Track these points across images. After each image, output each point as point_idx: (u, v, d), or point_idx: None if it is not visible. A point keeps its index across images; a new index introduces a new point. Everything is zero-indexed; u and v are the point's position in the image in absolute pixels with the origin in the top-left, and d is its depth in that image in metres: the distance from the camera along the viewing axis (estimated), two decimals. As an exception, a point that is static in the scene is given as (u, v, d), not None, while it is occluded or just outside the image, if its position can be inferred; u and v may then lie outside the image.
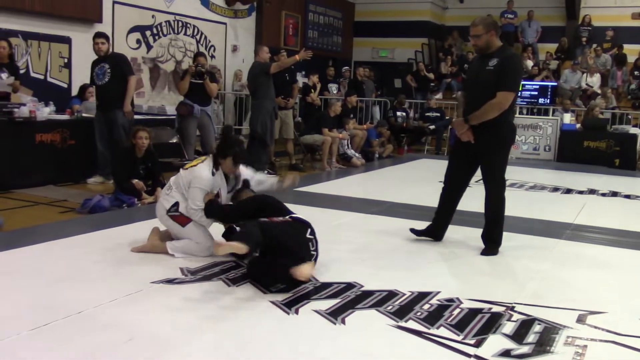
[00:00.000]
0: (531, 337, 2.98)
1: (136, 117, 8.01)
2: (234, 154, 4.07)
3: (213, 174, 4.06)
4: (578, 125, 11.30)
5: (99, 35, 7.00)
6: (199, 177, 4.05)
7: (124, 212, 5.50)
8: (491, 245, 4.50)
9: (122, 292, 3.32)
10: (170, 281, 3.56)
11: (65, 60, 9.39)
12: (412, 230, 4.78)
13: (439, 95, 14.41)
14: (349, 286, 3.60)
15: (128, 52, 10.76)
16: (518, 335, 2.99)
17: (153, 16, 11.21)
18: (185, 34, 12.00)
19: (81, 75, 8.78)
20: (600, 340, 2.99)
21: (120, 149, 6.29)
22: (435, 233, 4.75)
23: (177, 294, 3.39)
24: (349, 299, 3.39)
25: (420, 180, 8.36)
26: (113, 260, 3.93)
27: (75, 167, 6.90)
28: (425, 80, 14.46)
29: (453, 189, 4.64)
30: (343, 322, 3.08)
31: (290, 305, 3.25)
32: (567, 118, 11.38)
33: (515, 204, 6.10)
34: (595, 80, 13.67)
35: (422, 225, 4.82)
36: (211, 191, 4.07)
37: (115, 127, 6.76)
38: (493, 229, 4.51)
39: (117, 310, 3.10)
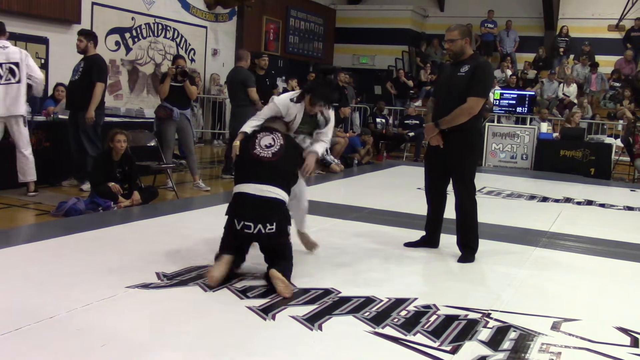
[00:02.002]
0: (507, 344, 2.99)
1: (114, 119, 7.97)
2: (313, 92, 4.06)
3: (292, 101, 4.09)
4: (555, 135, 11.44)
5: (79, 32, 6.95)
6: (277, 97, 4.18)
7: (100, 216, 5.43)
8: (467, 252, 4.52)
9: (96, 297, 3.27)
10: (145, 286, 3.52)
11: (42, 61, 9.28)
12: (407, 244, 4.77)
13: (419, 103, 14.50)
14: (327, 292, 3.59)
15: (107, 54, 10.68)
16: (494, 342, 3.00)
17: (133, 18, 11.15)
18: (165, 36, 11.94)
19: (58, 76, 8.68)
20: (574, 347, 3.02)
21: (98, 152, 6.24)
22: (430, 241, 4.77)
23: (152, 298, 3.35)
24: (326, 305, 3.38)
25: (399, 186, 8.39)
26: (87, 264, 3.87)
27: (50, 170, 6.80)
28: (405, 87, 14.54)
29: (434, 197, 4.68)
30: (320, 328, 3.07)
31: (267, 311, 3.23)
32: (544, 127, 11.52)
33: (493, 212, 6.17)
34: (572, 90, 13.87)
35: (404, 232, 4.84)
36: (281, 115, 4.11)
37: (80, 130, 6.70)
38: (468, 235, 4.53)
39: (91, 315, 3.05)
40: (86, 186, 6.59)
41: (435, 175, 4.64)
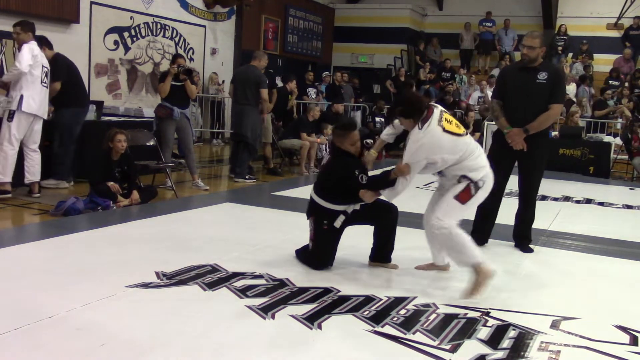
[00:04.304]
0: (506, 343, 3.00)
1: (113, 119, 7.96)
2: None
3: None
4: (554, 133, 11.43)
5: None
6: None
7: (99, 215, 5.42)
8: (527, 243, 4.94)
9: (95, 296, 3.27)
10: (145, 285, 3.52)
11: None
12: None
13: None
14: (326, 291, 3.59)
15: (106, 53, 10.70)
16: (493, 341, 3.01)
17: (131, 17, 11.13)
18: (163, 36, 11.93)
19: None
20: (574, 346, 3.02)
21: (98, 151, 6.22)
22: (483, 241, 4.92)
23: (152, 298, 3.35)
24: (325, 304, 3.38)
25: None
26: (87, 264, 3.87)
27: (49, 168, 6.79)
28: (405, 86, 14.53)
29: (495, 198, 4.69)
30: (319, 327, 3.07)
31: (267, 310, 3.23)
32: (543, 126, 11.49)
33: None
34: (571, 89, 13.86)
35: (404, 231, 4.82)
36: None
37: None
38: (530, 229, 4.95)
39: (90, 314, 3.05)
40: (45, 182, 6.59)
41: (501, 177, 4.67)
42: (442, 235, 3.72)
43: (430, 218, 3.82)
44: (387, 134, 4.15)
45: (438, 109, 3.70)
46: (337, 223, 4.00)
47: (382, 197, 3.94)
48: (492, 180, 3.78)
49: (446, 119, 3.66)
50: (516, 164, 4.91)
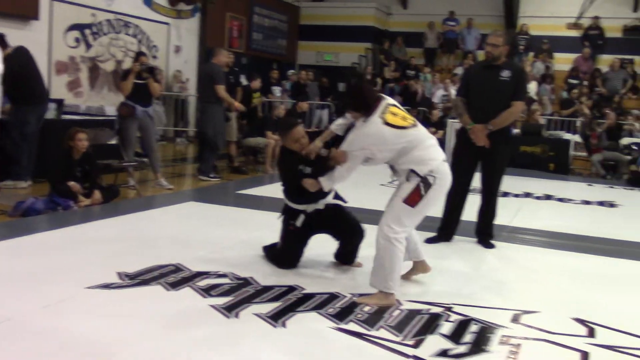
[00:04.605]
0: (468, 337, 3.04)
1: (74, 117, 7.83)
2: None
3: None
4: (516, 131, 11.63)
5: None
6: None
7: (59, 215, 5.32)
8: (488, 239, 5.02)
9: (54, 298, 3.21)
10: (106, 286, 3.47)
11: (-2, 58, 9.04)
12: (427, 241, 4.92)
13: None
14: (290, 289, 3.59)
15: (66, 50, 10.49)
16: (455, 335, 3.05)
17: (93, 14, 10.94)
18: (126, 33, 11.76)
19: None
20: (534, 339, 3.08)
21: (58, 150, 6.11)
22: (447, 237, 5.03)
23: (113, 299, 3.30)
24: (290, 302, 3.38)
25: (362, 183, 8.40)
26: (46, 265, 3.80)
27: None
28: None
29: (460, 195, 4.92)
30: (284, 325, 3.07)
31: (231, 309, 3.21)
32: (506, 123, 11.67)
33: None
34: (532, 87, 14.11)
35: (368, 228, 4.84)
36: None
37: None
38: (492, 225, 5.03)
39: (49, 317, 2.99)
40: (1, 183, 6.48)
41: (465, 174, 4.88)
42: (383, 246, 3.46)
43: (381, 223, 3.53)
44: (337, 124, 3.89)
45: (385, 101, 3.55)
46: (298, 222, 3.99)
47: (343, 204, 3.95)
48: (447, 177, 3.51)
49: (391, 112, 3.48)
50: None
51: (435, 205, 3.66)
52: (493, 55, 4.77)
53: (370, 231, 4.53)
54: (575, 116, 12.61)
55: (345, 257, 4.20)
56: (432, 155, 3.51)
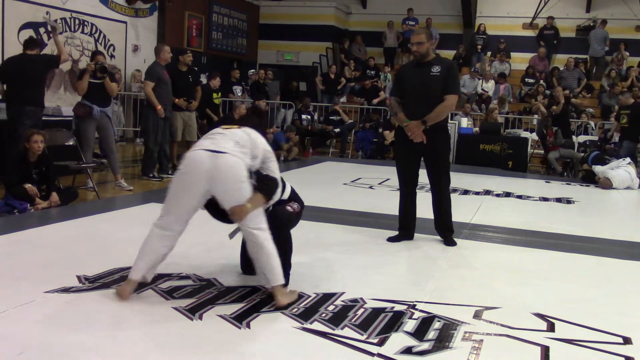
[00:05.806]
0: (431, 334, 3.07)
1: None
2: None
3: None
4: (475, 129, 11.81)
5: None
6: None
7: (15, 218, 5.19)
8: (449, 234, 5.03)
9: (12, 303, 3.12)
10: (66, 290, 3.39)
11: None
12: (390, 239, 5.00)
13: (344, 99, 14.65)
14: (254, 290, 3.57)
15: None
16: (419, 333, 3.07)
17: (47, 12, 10.68)
18: (82, 32, 11.53)
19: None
20: (495, 335, 3.13)
21: (13, 152, 5.96)
22: (409, 235, 5.07)
23: (72, 303, 3.23)
24: (254, 303, 3.36)
25: (325, 182, 8.44)
26: (3, 270, 3.69)
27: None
28: (334, 83, 14.68)
29: (411, 192, 5.06)
30: (248, 326, 3.05)
31: (194, 311, 3.18)
32: (465, 122, 11.86)
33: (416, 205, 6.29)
34: (490, 86, 14.37)
35: (331, 227, 4.87)
36: None
37: None
38: (449, 220, 5.03)
39: (7, 322, 2.91)
40: None
41: (411, 171, 4.98)
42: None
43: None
44: None
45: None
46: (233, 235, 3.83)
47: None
48: (189, 161, 3.43)
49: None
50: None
51: (182, 190, 3.57)
52: (420, 53, 4.81)
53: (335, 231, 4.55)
54: (530, 112, 12.88)
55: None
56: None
